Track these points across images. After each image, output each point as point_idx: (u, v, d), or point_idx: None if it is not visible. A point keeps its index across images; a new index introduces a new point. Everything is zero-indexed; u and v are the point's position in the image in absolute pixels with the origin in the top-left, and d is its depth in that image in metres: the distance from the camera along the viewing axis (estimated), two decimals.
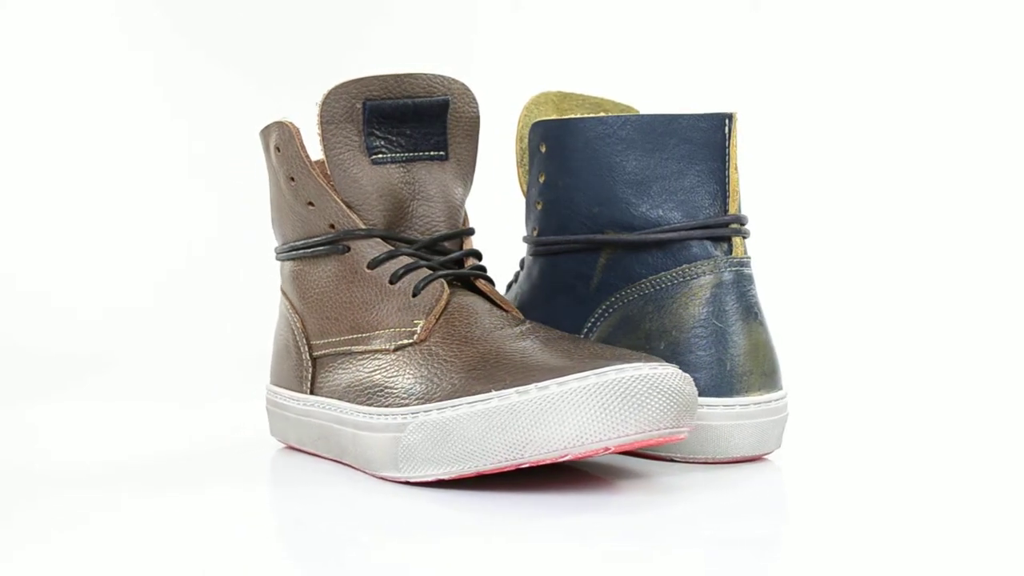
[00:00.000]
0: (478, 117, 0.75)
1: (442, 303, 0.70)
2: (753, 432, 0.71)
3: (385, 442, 0.68)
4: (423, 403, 0.66)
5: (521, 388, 0.63)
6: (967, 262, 1.31)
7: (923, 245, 1.33)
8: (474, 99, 0.75)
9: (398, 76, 0.72)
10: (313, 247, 0.74)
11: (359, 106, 0.71)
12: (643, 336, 0.73)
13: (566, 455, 0.62)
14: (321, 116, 0.71)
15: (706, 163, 0.73)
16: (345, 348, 0.72)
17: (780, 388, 0.73)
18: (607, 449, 0.62)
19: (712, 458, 0.71)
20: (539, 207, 0.78)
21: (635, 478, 0.68)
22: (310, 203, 0.73)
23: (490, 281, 0.74)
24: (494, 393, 0.64)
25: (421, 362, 0.68)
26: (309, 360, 0.75)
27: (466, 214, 0.76)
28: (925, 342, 1.21)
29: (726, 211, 0.73)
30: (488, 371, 0.65)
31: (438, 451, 0.65)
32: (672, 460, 0.72)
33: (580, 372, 0.62)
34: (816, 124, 1.37)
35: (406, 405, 0.67)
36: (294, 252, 0.75)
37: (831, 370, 1.12)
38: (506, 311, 0.72)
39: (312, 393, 0.74)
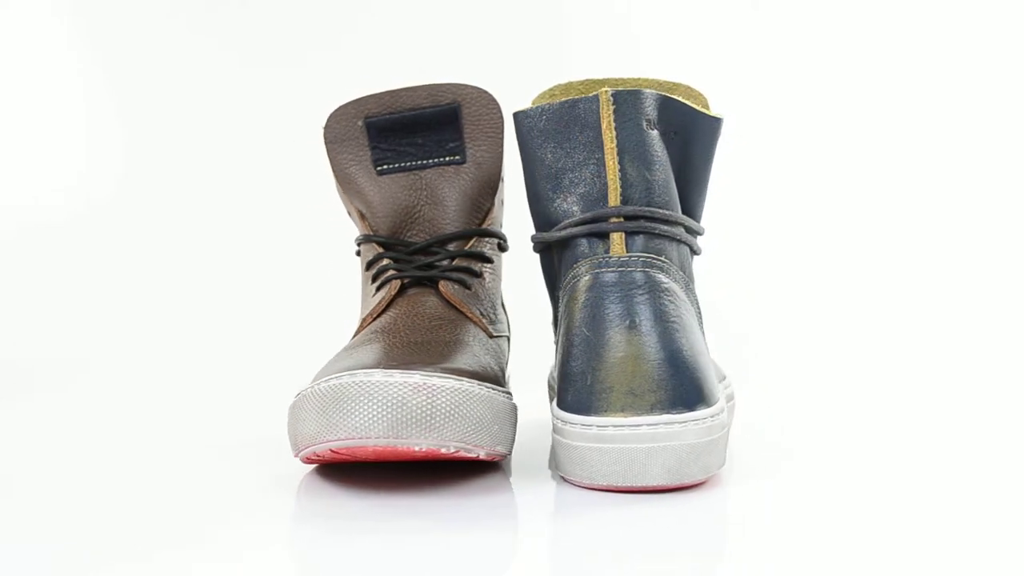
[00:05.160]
0: (499, 118, 0.74)
1: (383, 303, 0.72)
2: (618, 459, 0.62)
3: None
4: None
5: (312, 385, 0.65)
6: (968, 269, 1.28)
7: (940, 252, 1.30)
8: (492, 101, 0.74)
9: (393, 92, 0.75)
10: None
11: (360, 124, 0.76)
12: (561, 341, 0.67)
13: (316, 451, 0.63)
14: (325, 137, 0.77)
15: (600, 150, 0.65)
16: None
17: (667, 411, 0.61)
18: (335, 452, 0.62)
19: (583, 482, 0.63)
20: None
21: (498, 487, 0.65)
22: (349, 213, 0.80)
23: (462, 283, 0.73)
24: (306, 387, 0.66)
25: (337, 356, 0.72)
26: None
27: (490, 213, 0.76)
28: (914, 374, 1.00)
29: (607, 204, 0.64)
30: (332, 366, 0.67)
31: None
32: (564, 479, 0.66)
33: (335, 373, 0.63)
34: (816, 123, 1.36)
35: None
36: None
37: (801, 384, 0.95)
38: (460, 311, 0.71)
39: None
